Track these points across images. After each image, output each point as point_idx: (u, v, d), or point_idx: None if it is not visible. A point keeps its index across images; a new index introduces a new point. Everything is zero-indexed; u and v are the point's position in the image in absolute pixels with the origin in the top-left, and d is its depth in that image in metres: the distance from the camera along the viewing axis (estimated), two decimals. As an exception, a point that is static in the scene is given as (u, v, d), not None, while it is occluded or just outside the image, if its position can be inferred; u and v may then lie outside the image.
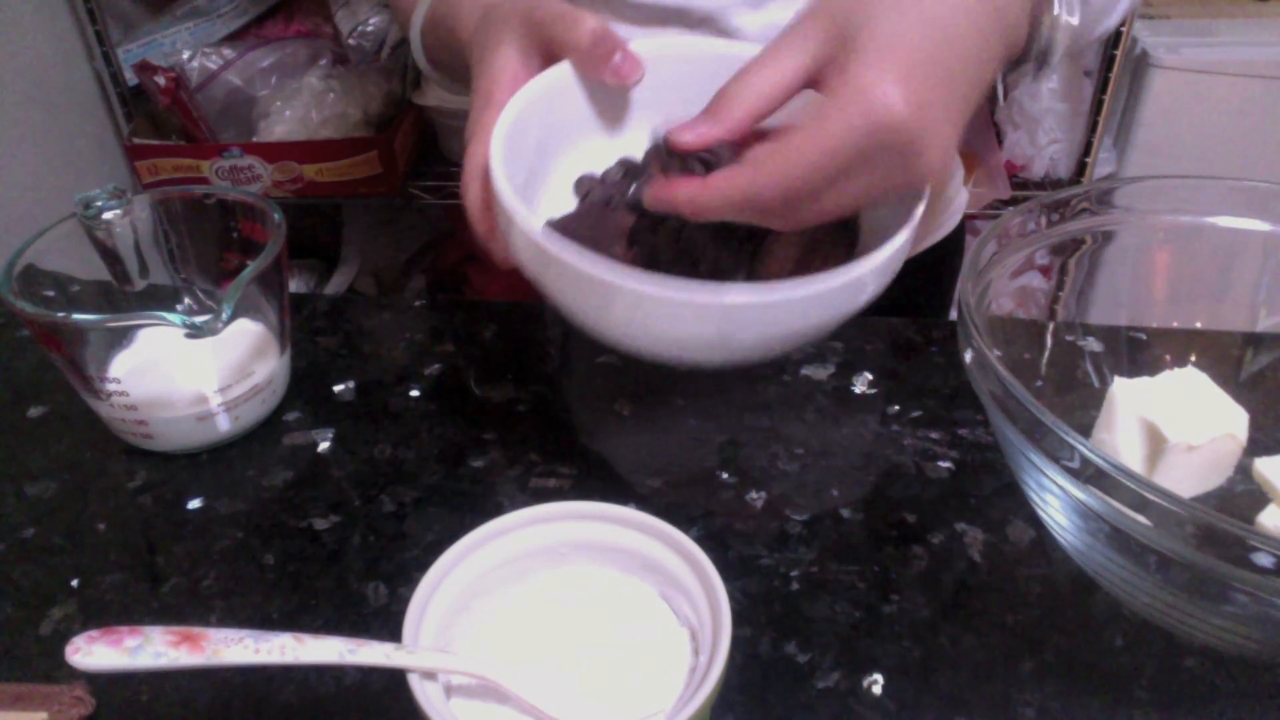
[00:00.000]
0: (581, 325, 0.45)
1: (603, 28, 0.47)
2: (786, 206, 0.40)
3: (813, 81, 0.42)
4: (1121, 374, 0.53)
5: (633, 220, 0.48)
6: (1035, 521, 0.52)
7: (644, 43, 0.49)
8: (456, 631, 0.41)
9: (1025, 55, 0.49)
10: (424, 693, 0.36)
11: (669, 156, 0.46)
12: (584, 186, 0.52)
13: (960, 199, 0.81)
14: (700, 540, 0.41)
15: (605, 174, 0.52)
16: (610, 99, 0.51)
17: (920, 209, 0.44)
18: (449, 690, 0.39)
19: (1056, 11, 0.48)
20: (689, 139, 0.43)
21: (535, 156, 0.49)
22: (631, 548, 0.42)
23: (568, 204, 0.52)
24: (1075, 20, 0.48)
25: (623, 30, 0.66)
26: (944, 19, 0.40)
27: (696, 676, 0.38)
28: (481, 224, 0.47)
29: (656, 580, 0.42)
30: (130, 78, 1.45)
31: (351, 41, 1.48)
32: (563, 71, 0.49)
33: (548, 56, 0.49)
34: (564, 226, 0.49)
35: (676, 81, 0.50)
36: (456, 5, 0.57)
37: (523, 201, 0.44)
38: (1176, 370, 0.53)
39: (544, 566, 0.43)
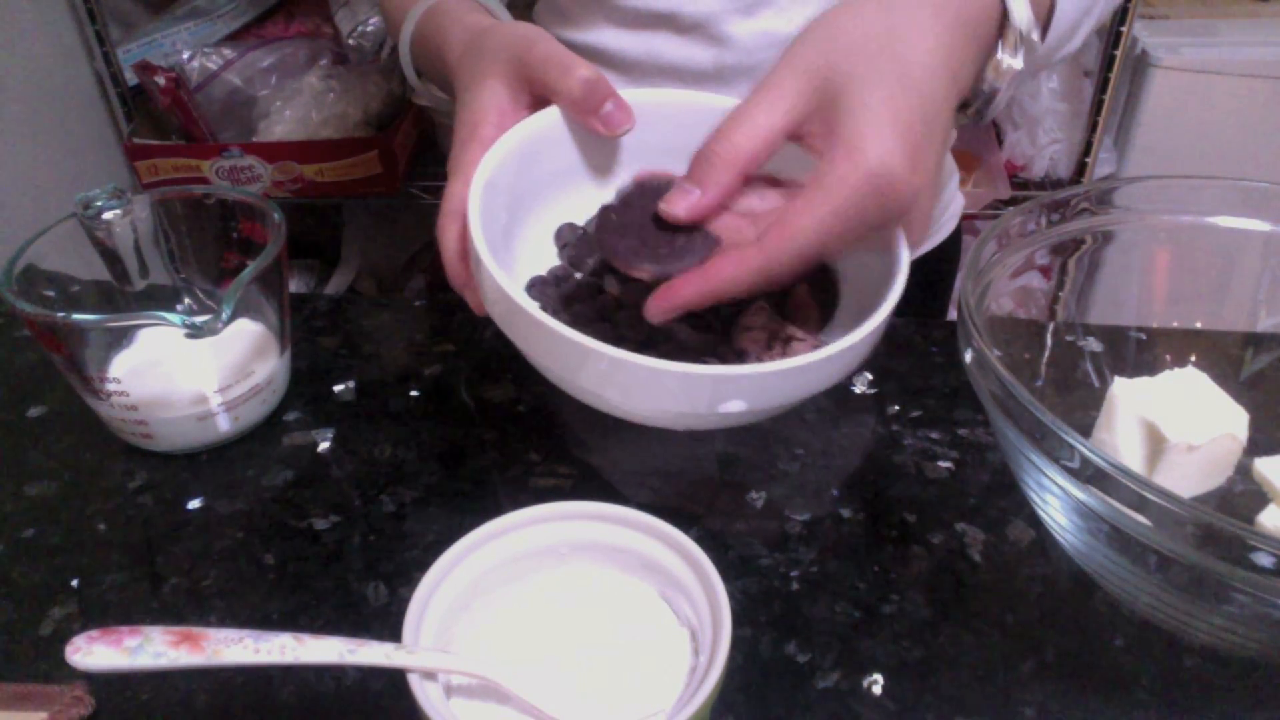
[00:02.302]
0: (553, 381, 0.45)
1: (596, 76, 0.46)
2: (794, 274, 0.40)
3: (795, 138, 0.42)
4: (1121, 374, 0.53)
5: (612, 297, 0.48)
6: (1035, 521, 0.52)
7: (632, 92, 0.48)
8: (456, 631, 0.41)
9: (968, 104, 0.48)
10: (424, 693, 0.36)
11: (611, 273, 0.45)
12: (564, 237, 0.51)
13: (956, 204, 0.81)
14: (700, 540, 0.41)
15: (586, 225, 0.51)
16: (596, 148, 0.50)
17: (901, 280, 0.43)
18: (449, 690, 0.39)
19: (1000, 56, 0.46)
20: (682, 212, 0.41)
21: (516, 202, 0.48)
22: (631, 548, 0.42)
23: (548, 251, 0.51)
24: (1019, 64, 0.47)
25: (612, 38, 0.67)
26: (921, 83, 0.40)
27: (696, 676, 0.38)
28: (457, 272, 0.46)
29: (656, 580, 0.42)
30: (130, 78, 1.45)
31: (351, 41, 1.48)
32: (550, 117, 0.48)
33: (536, 98, 0.48)
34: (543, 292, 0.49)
35: (664, 132, 0.49)
36: (444, 26, 0.56)
37: (501, 248, 0.44)
38: (1176, 370, 0.53)
39: (544, 566, 0.43)
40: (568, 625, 0.42)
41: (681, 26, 0.64)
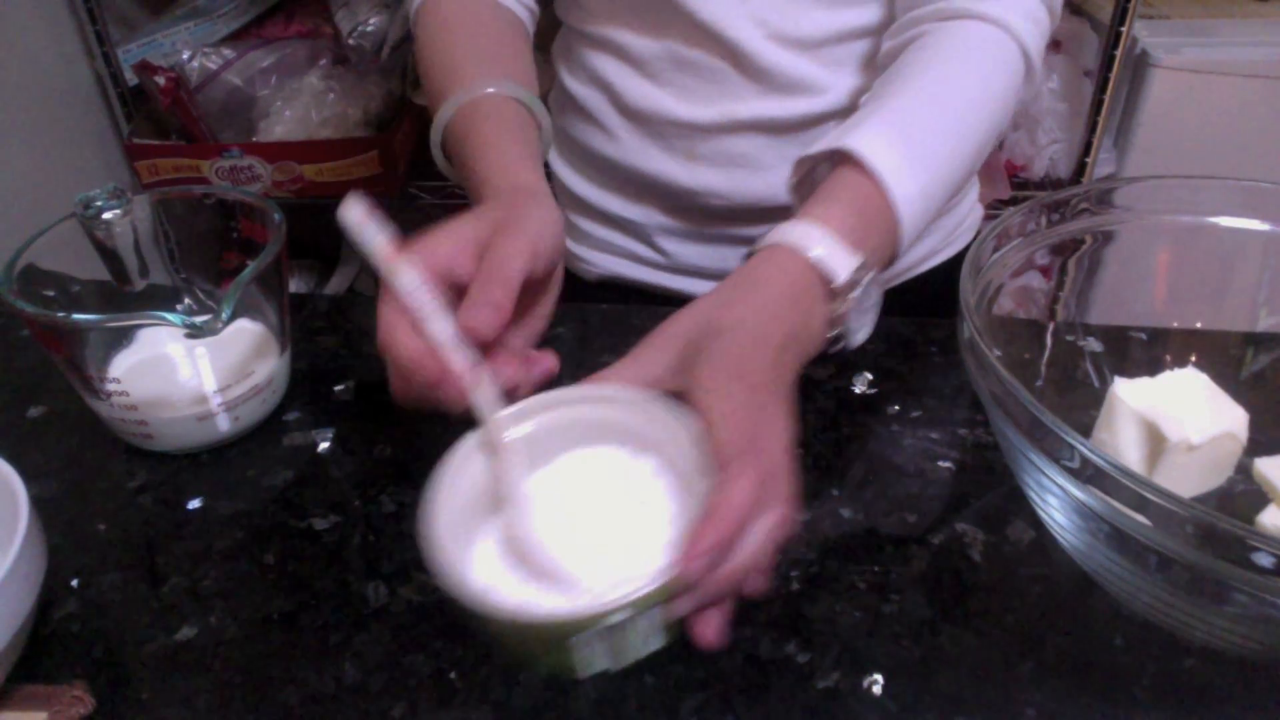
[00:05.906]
0: None
1: (489, 316, 0.46)
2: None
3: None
4: (1121, 374, 0.53)
5: None
6: (1035, 521, 0.52)
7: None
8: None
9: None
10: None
11: None
12: None
13: (974, 216, 0.81)
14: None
15: None
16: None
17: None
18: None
19: (829, 307, 0.48)
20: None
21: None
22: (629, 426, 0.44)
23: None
24: (846, 306, 0.48)
25: (628, 36, 0.67)
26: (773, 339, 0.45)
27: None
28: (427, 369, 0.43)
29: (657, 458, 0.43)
30: (130, 78, 1.45)
31: (351, 41, 1.47)
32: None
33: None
34: None
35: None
36: (481, 144, 0.56)
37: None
38: (1176, 370, 0.53)
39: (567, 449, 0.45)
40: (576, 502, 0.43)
41: (694, 34, 0.64)
